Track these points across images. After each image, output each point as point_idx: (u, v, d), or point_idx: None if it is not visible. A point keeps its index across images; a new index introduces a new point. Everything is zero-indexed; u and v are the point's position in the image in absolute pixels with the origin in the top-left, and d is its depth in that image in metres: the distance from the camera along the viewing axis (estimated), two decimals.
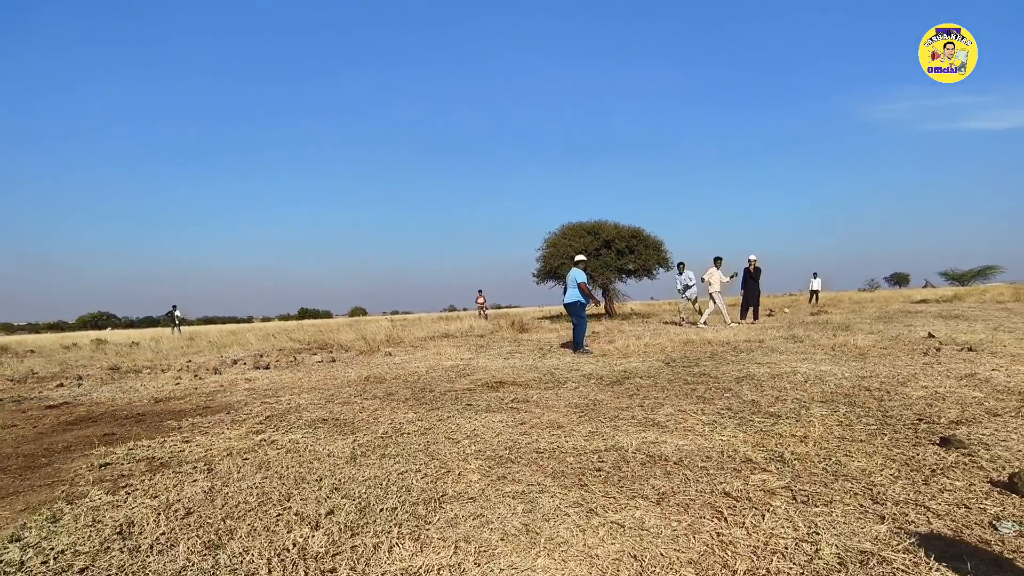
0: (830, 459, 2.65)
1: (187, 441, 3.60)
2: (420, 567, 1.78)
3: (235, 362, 9.01)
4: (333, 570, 1.79)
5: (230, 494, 2.51)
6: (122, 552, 1.97)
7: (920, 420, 3.26)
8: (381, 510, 2.26)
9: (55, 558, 1.94)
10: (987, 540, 1.81)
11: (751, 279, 12.15)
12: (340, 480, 2.65)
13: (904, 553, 1.74)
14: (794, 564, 1.71)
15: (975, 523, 1.93)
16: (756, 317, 12.21)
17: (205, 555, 1.92)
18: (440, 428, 3.63)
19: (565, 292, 8.11)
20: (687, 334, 9.34)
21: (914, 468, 2.49)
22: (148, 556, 1.93)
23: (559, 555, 1.83)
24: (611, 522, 2.06)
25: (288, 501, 2.39)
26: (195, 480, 2.75)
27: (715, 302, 11.42)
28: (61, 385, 7.14)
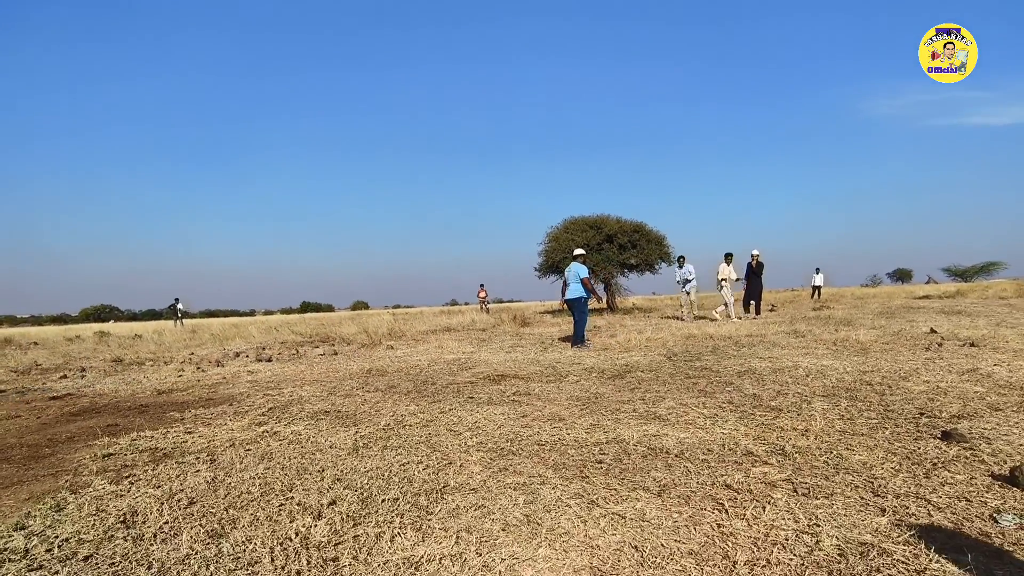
0: (831, 452, 2.65)
1: (190, 432, 3.62)
2: (422, 556, 1.79)
3: (237, 355, 9.04)
4: (336, 559, 1.80)
5: (233, 484, 2.53)
6: (126, 540, 1.98)
7: (921, 414, 3.26)
8: (383, 500, 2.27)
9: (59, 546, 1.95)
10: (988, 533, 1.81)
11: (753, 274, 12.13)
12: (342, 471, 2.66)
13: (904, 545, 1.74)
14: (794, 555, 1.71)
15: (976, 516, 1.93)
16: (758, 312, 12.19)
17: (208, 544, 1.93)
18: (442, 420, 3.64)
19: (565, 287, 7.94)
20: (689, 328, 9.34)
21: (915, 462, 2.49)
22: (152, 544, 1.94)
23: (560, 545, 1.84)
24: (612, 513, 2.07)
25: (290, 491, 2.40)
26: (198, 470, 2.77)
27: (724, 297, 11.56)
28: (64, 377, 7.17)
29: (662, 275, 18.76)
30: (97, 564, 1.82)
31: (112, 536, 2.02)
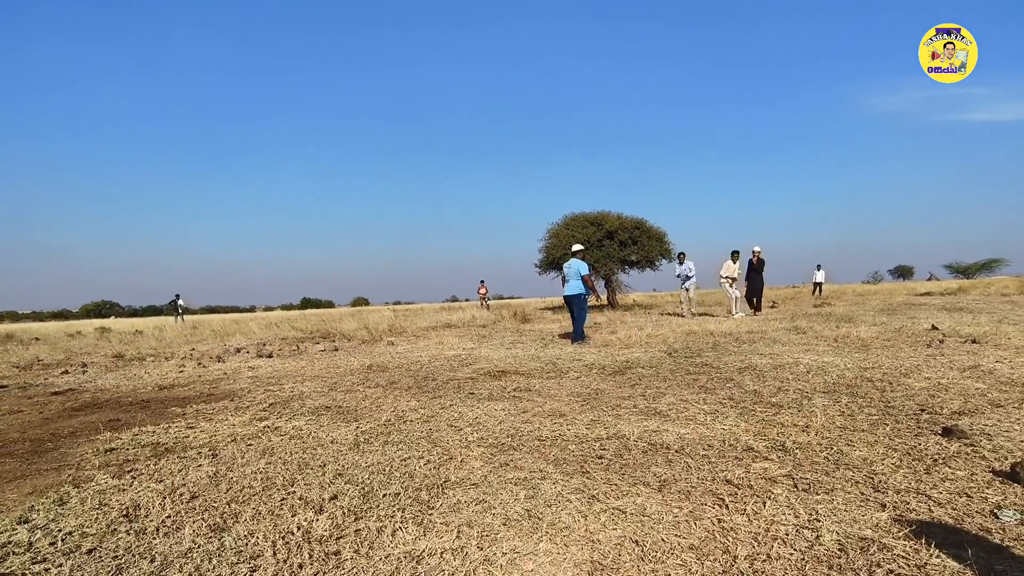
0: (832, 448, 2.65)
1: (191, 427, 3.63)
2: (423, 550, 1.80)
3: (238, 350, 9.05)
4: (337, 553, 1.81)
5: (234, 479, 2.54)
6: (128, 534, 1.99)
7: (922, 410, 3.26)
8: (384, 495, 2.27)
9: (63, 539, 1.96)
10: (988, 528, 1.81)
11: (754, 271, 12.12)
12: (343, 466, 2.67)
13: (905, 540, 1.75)
14: (795, 550, 1.72)
15: (976, 511, 1.93)
16: (759, 309, 12.19)
17: (211, 538, 1.94)
18: (443, 416, 3.65)
19: (565, 283, 7.87)
20: (689, 325, 9.34)
21: (916, 457, 2.49)
22: (154, 538, 1.95)
23: (561, 539, 1.85)
24: (613, 508, 2.07)
25: (292, 486, 2.41)
26: (200, 465, 2.77)
27: (728, 293, 11.65)
28: (66, 372, 7.19)
29: (663, 272, 18.77)
30: (100, 557, 1.83)
31: (115, 530, 2.03)
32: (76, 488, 2.51)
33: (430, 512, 2.10)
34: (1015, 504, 1.97)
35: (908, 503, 2.02)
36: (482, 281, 23.82)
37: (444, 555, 1.77)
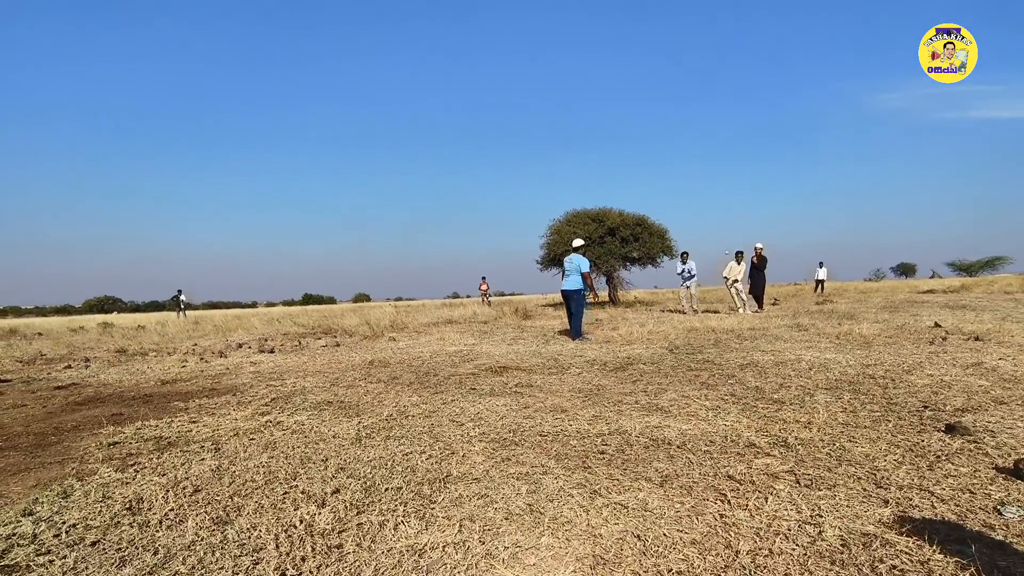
0: (834, 444, 2.65)
1: (194, 421, 3.64)
2: (425, 544, 1.80)
3: (240, 346, 9.07)
4: (340, 546, 1.81)
5: (237, 473, 2.54)
6: (132, 527, 2.00)
7: (925, 407, 3.25)
8: (386, 489, 2.28)
9: (67, 531, 1.97)
10: (991, 525, 1.81)
11: (756, 268, 12.10)
12: (345, 460, 2.67)
13: (907, 536, 1.74)
14: (797, 545, 1.72)
15: (979, 508, 1.93)
16: (761, 306, 12.18)
17: (214, 530, 1.94)
18: (444, 411, 3.65)
19: (564, 278, 7.85)
20: (691, 322, 9.33)
21: (918, 454, 2.49)
22: (157, 531, 1.96)
23: (563, 534, 1.85)
24: (614, 503, 2.07)
25: (294, 480, 2.42)
26: (202, 459, 2.78)
27: (730, 291, 11.69)
28: (69, 367, 7.21)
29: (664, 268, 18.77)
30: (104, 549, 1.84)
31: (118, 522, 2.04)
32: (80, 481, 2.52)
33: (432, 506, 2.10)
34: (1018, 500, 1.96)
35: (911, 499, 2.02)
36: (483, 277, 23.99)
37: (446, 549, 1.77)
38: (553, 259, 17.29)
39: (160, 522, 2.03)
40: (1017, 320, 7.49)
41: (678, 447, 2.71)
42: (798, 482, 2.22)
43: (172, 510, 2.13)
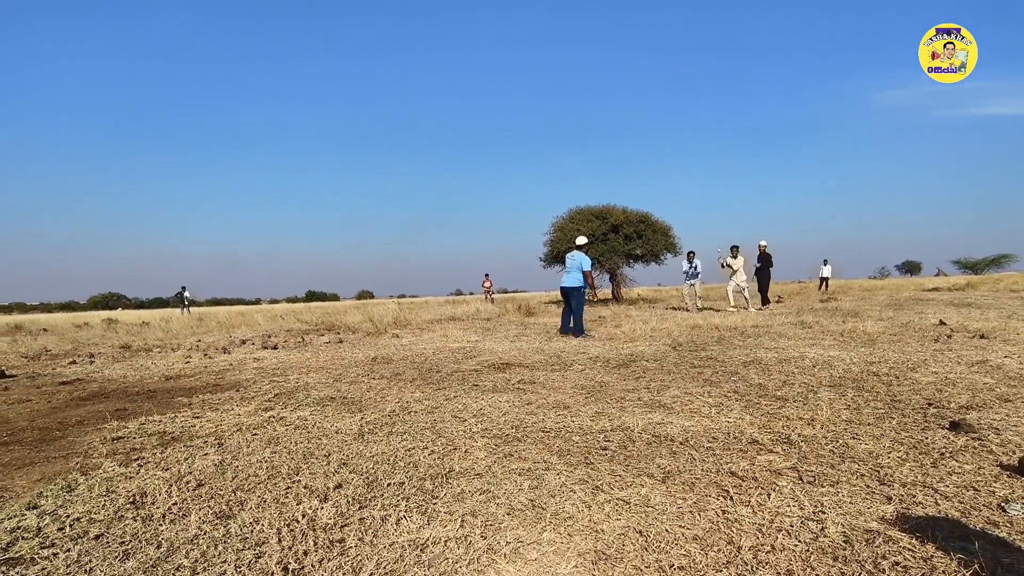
0: (837, 441, 2.64)
1: (197, 417, 3.66)
2: (428, 539, 1.80)
3: (244, 342, 9.11)
4: (342, 540, 1.82)
5: (240, 467, 2.55)
6: (135, 520, 2.01)
7: (929, 405, 3.23)
8: (389, 484, 2.28)
9: (71, 525, 1.98)
10: (995, 522, 1.80)
11: (761, 265, 12.06)
12: (348, 456, 2.68)
13: (911, 533, 1.73)
14: (799, 542, 1.71)
15: (983, 505, 1.92)
16: (765, 303, 12.14)
17: (216, 524, 1.95)
18: (447, 407, 3.65)
19: (565, 275, 7.84)
20: (694, 319, 9.31)
21: (922, 451, 2.48)
22: (161, 525, 1.97)
23: (565, 529, 1.85)
24: (616, 499, 2.07)
25: (297, 475, 2.42)
26: (206, 454, 2.79)
27: (729, 289, 11.65)
28: (74, 362, 7.26)
29: (668, 266, 18.74)
30: (108, 543, 1.85)
31: (122, 516, 2.05)
32: (84, 475, 2.53)
33: (434, 501, 2.10)
34: (1022, 498, 1.95)
35: (914, 496, 2.01)
36: (487, 274, 23.82)
37: (448, 543, 1.77)
38: (556, 256, 17.28)
39: (163, 516, 2.04)
40: (1023, 318, 7.44)
41: (680, 443, 2.71)
42: (801, 479, 2.21)
43: (175, 504, 2.14)
